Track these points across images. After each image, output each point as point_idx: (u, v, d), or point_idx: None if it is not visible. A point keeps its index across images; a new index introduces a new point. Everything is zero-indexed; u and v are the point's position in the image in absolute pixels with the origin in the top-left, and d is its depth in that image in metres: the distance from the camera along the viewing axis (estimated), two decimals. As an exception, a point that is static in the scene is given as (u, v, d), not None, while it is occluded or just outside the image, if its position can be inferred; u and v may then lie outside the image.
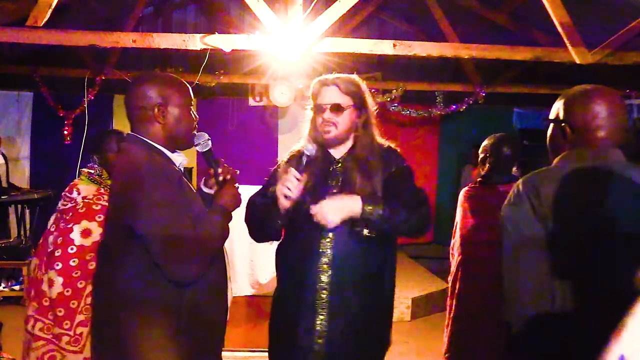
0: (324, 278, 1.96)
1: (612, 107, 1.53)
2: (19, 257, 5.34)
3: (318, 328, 1.96)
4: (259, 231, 2.18)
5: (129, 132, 1.83)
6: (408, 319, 5.50)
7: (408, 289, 5.74)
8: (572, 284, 1.40)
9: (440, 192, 8.00)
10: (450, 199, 7.62)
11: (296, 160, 2.03)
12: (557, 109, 1.61)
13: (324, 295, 1.96)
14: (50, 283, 2.54)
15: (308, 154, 2.00)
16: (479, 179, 3.07)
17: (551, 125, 1.64)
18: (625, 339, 0.66)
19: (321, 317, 1.96)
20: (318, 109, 2.06)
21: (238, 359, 4.16)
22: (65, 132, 6.84)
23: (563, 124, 1.57)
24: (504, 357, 1.91)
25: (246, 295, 4.24)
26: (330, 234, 1.96)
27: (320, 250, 1.97)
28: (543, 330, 1.43)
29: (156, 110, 1.77)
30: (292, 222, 2.03)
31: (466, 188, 3.11)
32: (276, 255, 2.23)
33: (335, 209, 1.88)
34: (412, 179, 2.15)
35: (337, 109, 2.03)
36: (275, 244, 3.99)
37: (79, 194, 2.69)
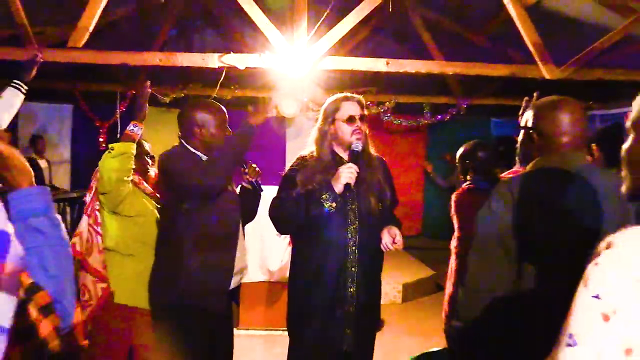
0: (351, 256, 2.08)
1: (575, 115, 1.53)
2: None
3: (351, 296, 2.10)
4: (291, 221, 2.19)
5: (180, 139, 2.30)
6: (399, 302, 5.49)
7: (399, 275, 5.73)
8: (539, 268, 1.40)
9: (427, 192, 8.00)
10: (435, 198, 7.63)
11: (351, 158, 2.13)
12: (527, 118, 1.63)
13: (354, 270, 2.09)
14: None
15: (357, 150, 2.11)
16: (470, 186, 2.91)
17: (522, 132, 1.65)
18: (573, 319, 0.66)
19: (351, 289, 2.09)
20: (350, 120, 2.13)
21: (253, 337, 4.16)
22: (101, 140, 6.88)
23: (531, 131, 1.58)
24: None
25: (258, 282, 4.25)
26: (356, 221, 2.11)
27: (349, 235, 2.09)
28: (506, 308, 1.42)
29: (196, 129, 2.23)
30: (316, 214, 2.08)
31: (457, 193, 2.95)
32: (298, 247, 2.28)
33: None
34: (391, 176, 2.35)
35: (364, 119, 2.17)
36: (282, 239, 4.01)
37: None
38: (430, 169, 6.31)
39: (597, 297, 0.64)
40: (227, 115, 2.32)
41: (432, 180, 6.54)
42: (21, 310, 0.96)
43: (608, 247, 0.68)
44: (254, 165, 2.40)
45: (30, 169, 1.12)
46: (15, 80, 2.86)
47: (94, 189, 2.52)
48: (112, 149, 2.25)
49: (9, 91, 2.80)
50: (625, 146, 0.86)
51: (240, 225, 2.35)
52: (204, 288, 2.17)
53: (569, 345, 0.64)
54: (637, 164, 0.84)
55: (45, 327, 1.00)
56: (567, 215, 1.41)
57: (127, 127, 2.33)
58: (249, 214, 2.46)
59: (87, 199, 2.64)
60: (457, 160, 3.04)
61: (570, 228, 1.39)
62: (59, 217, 1.15)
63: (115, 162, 2.23)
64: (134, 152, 2.31)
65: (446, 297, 2.96)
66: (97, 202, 2.47)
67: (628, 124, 0.86)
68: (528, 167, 1.59)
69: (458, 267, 2.88)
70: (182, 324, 2.14)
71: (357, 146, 2.09)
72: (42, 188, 1.13)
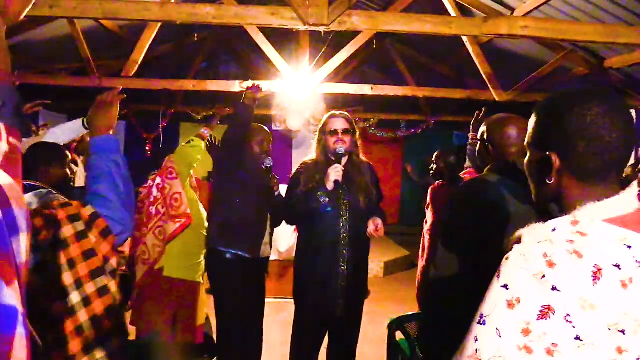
0: (343, 241, 2.03)
1: (519, 129, 1.50)
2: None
3: (342, 272, 2.05)
4: (296, 214, 2.16)
5: None
6: (381, 275, 5.49)
7: (381, 255, 5.73)
8: (471, 257, 1.34)
9: (403, 189, 8.01)
10: (409, 194, 7.64)
11: (336, 160, 2.07)
12: (482, 131, 1.57)
13: (345, 252, 2.04)
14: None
15: (340, 152, 2.06)
16: (442, 182, 2.94)
17: (478, 143, 1.61)
18: (486, 302, 0.65)
19: (343, 267, 2.04)
20: (333, 132, 2.09)
21: (267, 303, 4.15)
22: (147, 148, 6.86)
23: (486, 143, 1.55)
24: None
25: (270, 260, 4.23)
26: (347, 213, 2.05)
27: (341, 224, 2.04)
28: (456, 281, 1.38)
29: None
30: (315, 207, 2.05)
31: (432, 187, 2.96)
32: (301, 233, 2.23)
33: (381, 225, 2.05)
34: (377, 177, 2.26)
35: (346, 132, 2.09)
36: (290, 227, 3.97)
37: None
38: (410, 169, 6.37)
39: (505, 287, 0.63)
40: (269, 137, 2.42)
41: (410, 178, 6.55)
42: (79, 239, 1.00)
43: (518, 241, 0.66)
44: (276, 176, 2.42)
45: (112, 121, 1.23)
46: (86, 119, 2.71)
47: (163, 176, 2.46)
48: (192, 141, 2.41)
49: (77, 123, 2.51)
50: (525, 161, 0.84)
51: (266, 214, 2.39)
52: (239, 255, 2.29)
53: (480, 323, 0.64)
54: (531, 176, 0.81)
55: (105, 247, 1.03)
56: (483, 215, 1.36)
57: (201, 130, 2.52)
58: (274, 220, 2.45)
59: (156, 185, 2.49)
60: (433, 161, 3.05)
61: (485, 226, 1.34)
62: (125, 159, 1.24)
63: (191, 150, 2.40)
64: (203, 147, 2.45)
65: (419, 269, 2.95)
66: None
67: (525, 142, 0.81)
68: (484, 172, 1.55)
69: (430, 245, 2.87)
70: (228, 281, 2.28)
71: (340, 150, 2.06)
72: (115, 136, 1.24)
